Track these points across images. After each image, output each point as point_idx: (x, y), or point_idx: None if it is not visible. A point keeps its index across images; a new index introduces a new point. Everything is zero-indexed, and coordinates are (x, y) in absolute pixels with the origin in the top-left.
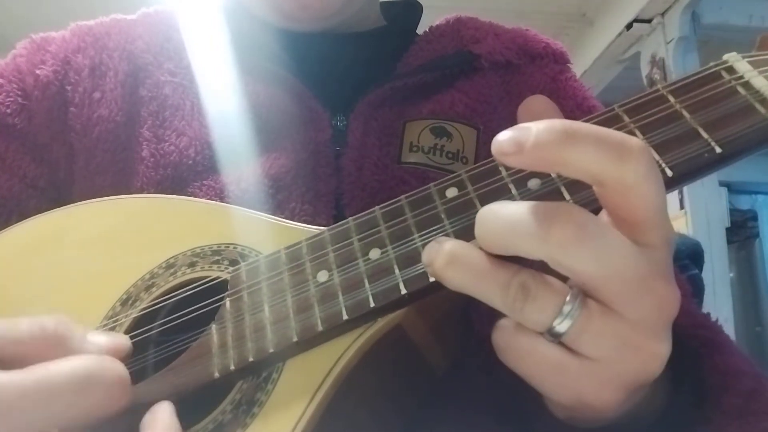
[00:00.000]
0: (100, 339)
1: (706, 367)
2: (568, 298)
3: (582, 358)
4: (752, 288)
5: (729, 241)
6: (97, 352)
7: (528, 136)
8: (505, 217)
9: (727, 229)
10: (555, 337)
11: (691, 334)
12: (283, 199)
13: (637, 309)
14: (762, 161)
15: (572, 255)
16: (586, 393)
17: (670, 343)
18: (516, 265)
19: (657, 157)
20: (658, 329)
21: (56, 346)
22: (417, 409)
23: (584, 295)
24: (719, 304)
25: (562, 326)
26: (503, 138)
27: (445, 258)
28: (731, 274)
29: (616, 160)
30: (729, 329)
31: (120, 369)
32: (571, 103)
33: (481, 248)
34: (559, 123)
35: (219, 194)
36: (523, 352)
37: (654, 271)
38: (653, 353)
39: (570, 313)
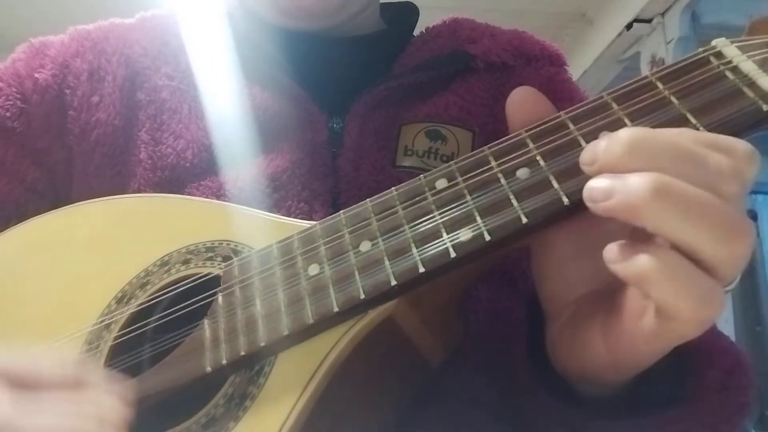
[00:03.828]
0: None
1: (690, 345)
2: None
3: None
4: (752, 288)
5: None
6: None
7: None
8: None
9: None
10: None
11: None
12: (279, 197)
13: None
14: (762, 161)
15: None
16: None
17: None
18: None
19: None
20: None
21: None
22: (413, 407)
23: None
24: None
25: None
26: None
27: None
28: None
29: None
30: (729, 329)
31: None
32: (567, 106)
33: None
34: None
35: (216, 194)
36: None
37: None
38: None
39: None
